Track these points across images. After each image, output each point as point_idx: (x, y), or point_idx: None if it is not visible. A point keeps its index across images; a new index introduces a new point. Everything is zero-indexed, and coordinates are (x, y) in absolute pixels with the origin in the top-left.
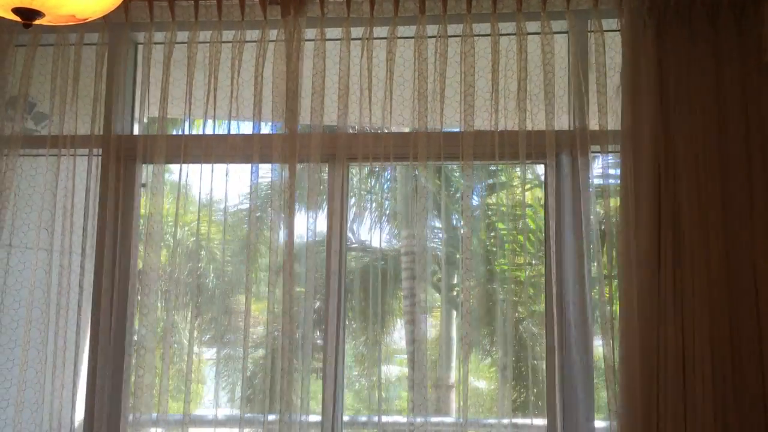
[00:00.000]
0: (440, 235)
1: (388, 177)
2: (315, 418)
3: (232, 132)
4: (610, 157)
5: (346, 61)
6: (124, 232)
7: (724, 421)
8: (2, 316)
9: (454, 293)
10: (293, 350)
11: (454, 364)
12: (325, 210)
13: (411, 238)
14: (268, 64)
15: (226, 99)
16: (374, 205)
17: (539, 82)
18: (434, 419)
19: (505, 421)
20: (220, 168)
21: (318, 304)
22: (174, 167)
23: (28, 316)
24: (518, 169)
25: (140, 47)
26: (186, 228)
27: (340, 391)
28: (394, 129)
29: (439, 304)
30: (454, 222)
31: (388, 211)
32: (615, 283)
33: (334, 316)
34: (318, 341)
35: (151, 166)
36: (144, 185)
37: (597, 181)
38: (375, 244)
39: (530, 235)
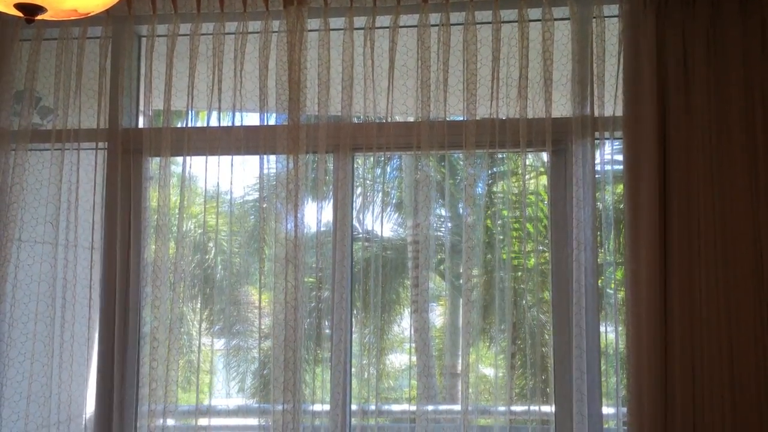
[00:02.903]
0: (446, 223)
1: (394, 166)
2: (323, 407)
3: (237, 123)
4: (615, 143)
5: (349, 51)
6: (131, 225)
7: (734, 411)
8: (14, 310)
9: (461, 282)
10: (301, 340)
11: (461, 352)
12: (332, 200)
13: (417, 227)
14: (272, 55)
15: (229, 91)
16: (380, 194)
17: (541, 70)
18: (442, 407)
19: (513, 408)
20: (225, 160)
21: (325, 294)
22: (180, 159)
23: (36, 309)
24: (526, 156)
25: (143, 40)
26: (193, 220)
27: (348, 380)
28: (398, 118)
29: (446, 292)
30: (460, 210)
31: (394, 201)
32: (622, 269)
33: (341, 306)
34: (326, 331)
35: (157, 159)
36: (151, 178)
37: (603, 167)
38: (381, 233)
39: (538, 223)
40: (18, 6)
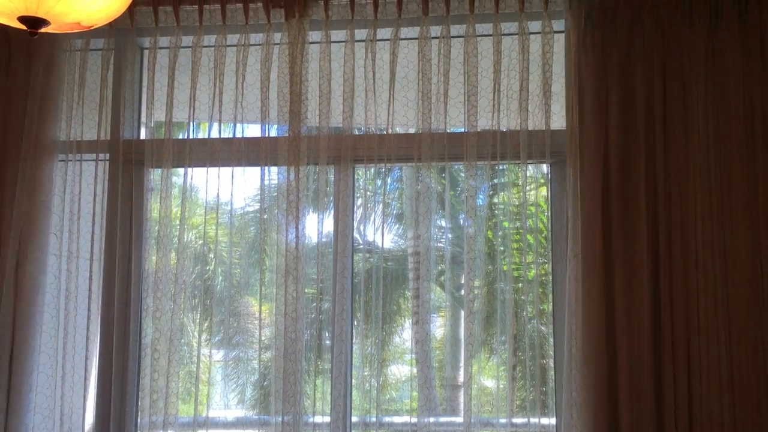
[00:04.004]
0: (447, 234)
1: (395, 178)
2: (324, 419)
3: (238, 135)
4: None
5: (350, 63)
6: (132, 235)
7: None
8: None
9: (462, 293)
10: (301, 351)
11: (462, 363)
12: (332, 212)
13: (418, 239)
14: (273, 67)
15: (231, 102)
16: (380, 206)
17: (540, 82)
18: (443, 419)
19: (515, 420)
20: (226, 171)
21: (326, 305)
22: (181, 171)
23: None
24: (526, 168)
25: (146, 52)
26: (194, 231)
27: (349, 391)
28: (399, 130)
29: (446, 304)
30: (461, 222)
31: (394, 212)
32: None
33: (341, 317)
34: (326, 342)
35: (158, 170)
36: (152, 189)
37: None
38: (382, 244)
39: (538, 234)
40: (21, 19)
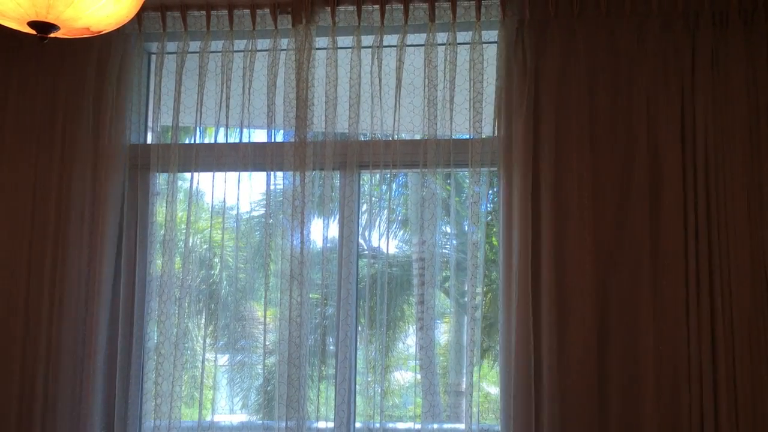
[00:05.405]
0: (452, 241)
1: (400, 183)
2: (327, 424)
3: (244, 140)
4: None
5: (357, 69)
6: (138, 239)
7: None
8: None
9: (466, 299)
10: (305, 356)
11: (465, 370)
12: (337, 217)
13: (422, 244)
14: (280, 72)
15: (237, 107)
16: (386, 211)
17: None
18: (446, 426)
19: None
20: (232, 176)
21: (330, 310)
22: (187, 175)
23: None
24: None
25: (153, 57)
26: (199, 235)
27: (353, 397)
28: (404, 136)
29: (450, 310)
30: (465, 228)
31: (399, 218)
32: None
33: (346, 323)
34: (330, 347)
35: (164, 175)
36: (158, 193)
37: None
38: (387, 250)
39: None
40: (31, 24)
